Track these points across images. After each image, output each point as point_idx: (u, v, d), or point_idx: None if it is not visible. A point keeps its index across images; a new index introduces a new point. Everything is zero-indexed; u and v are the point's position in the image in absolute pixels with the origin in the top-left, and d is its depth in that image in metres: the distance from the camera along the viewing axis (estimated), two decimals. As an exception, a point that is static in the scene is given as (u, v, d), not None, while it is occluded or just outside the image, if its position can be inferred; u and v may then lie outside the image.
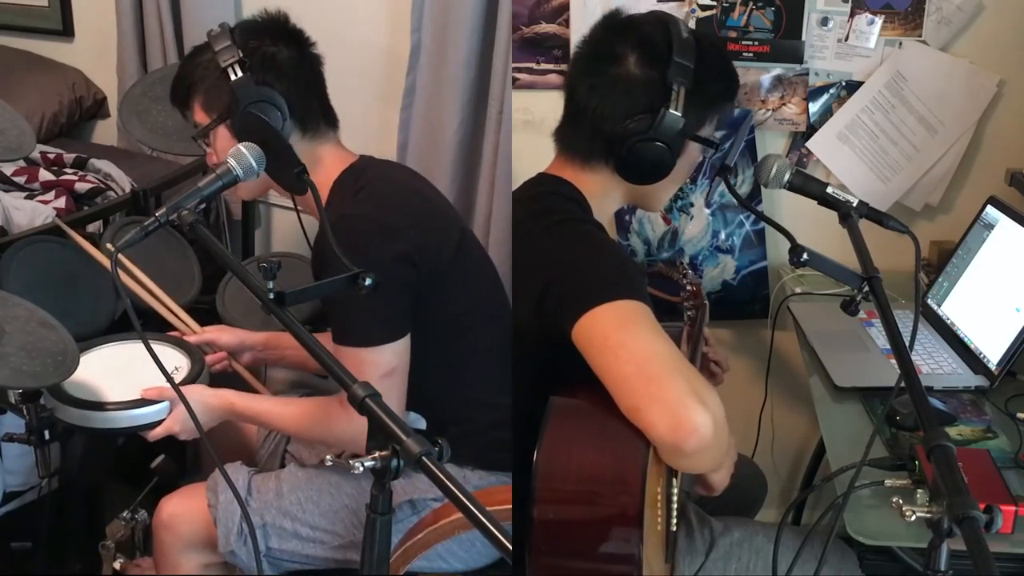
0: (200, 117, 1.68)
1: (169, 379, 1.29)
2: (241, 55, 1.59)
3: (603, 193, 1.51)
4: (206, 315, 2.48)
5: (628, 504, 1.21)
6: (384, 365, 1.54)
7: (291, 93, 1.62)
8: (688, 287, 1.93)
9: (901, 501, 1.08)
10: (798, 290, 2.23)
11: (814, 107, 2.24)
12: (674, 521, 1.43)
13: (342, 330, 1.57)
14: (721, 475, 1.43)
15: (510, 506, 1.42)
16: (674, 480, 1.40)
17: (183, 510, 1.69)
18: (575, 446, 1.26)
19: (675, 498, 1.40)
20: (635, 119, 1.42)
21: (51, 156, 2.72)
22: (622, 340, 1.23)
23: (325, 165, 1.67)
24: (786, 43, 2.20)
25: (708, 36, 1.55)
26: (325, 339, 1.98)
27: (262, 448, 1.90)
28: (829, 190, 1.51)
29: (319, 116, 1.68)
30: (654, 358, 1.22)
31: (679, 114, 1.40)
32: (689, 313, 1.85)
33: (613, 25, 1.49)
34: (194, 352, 1.99)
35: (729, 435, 1.40)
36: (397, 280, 1.53)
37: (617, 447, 1.24)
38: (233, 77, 1.58)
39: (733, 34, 2.20)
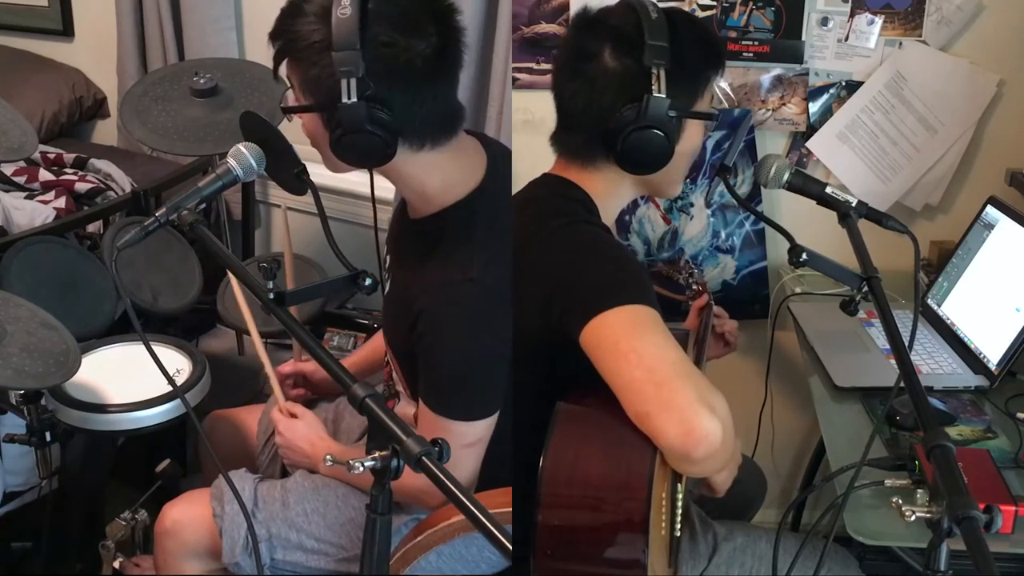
0: (294, 89, 1.43)
1: (170, 381, 1.29)
2: (364, 68, 1.31)
3: (611, 191, 1.50)
4: (206, 315, 2.49)
5: (634, 511, 1.21)
6: (472, 436, 1.48)
7: (411, 110, 1.38)
8: (694, 286, 1.93)
9: (901, 501, 1.08)
10: (798, 290, 2.23)
11: (814, 107, 2.24)
12: (678, 526, 1.43)
13: (443, 401, 1.47)
14: (724, 476, 1.43)
15: (510, 509, 1.41)
16: (679, 485, 1.39)
17: (187, 517, 1.67)
18: (581, 452, 1.25)
19: (679, 503, 1.40)
20: (622, 111, 1.40)
21: (51, 156, 2.72)
22: (633, 345, 1.22)
23: (445, 176, 1.47)
24: (786, 43, 2.20)
25: (680, 10, 1.52)
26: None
27: (262, 454, 1.89)
28: (828, 190, 1.51)
29: (439, 129, 1.44)
30: (665, 364, 1.21)
31: (663, 96, 1.38)
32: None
33: (583, 24, 1.47)
34: (195, 354, 1.99)
35: (735, 437, 1.40)
36: (506, 357, 1.45)
37: (623, 453, 1.23)
38: (344, 97, 1.31)
39: (733, 34, 2.20)
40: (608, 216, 1.49)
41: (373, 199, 1.52)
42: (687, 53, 1.41)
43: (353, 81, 1.31)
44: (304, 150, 1.59)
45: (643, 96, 1.37)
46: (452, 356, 1.45)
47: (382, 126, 1.35)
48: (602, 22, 1.45)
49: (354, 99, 1.32)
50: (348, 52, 1.31)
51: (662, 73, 1.37)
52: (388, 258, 1.68)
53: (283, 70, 1.46)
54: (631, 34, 1.39)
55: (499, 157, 1.57)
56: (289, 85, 1.45)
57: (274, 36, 1.42)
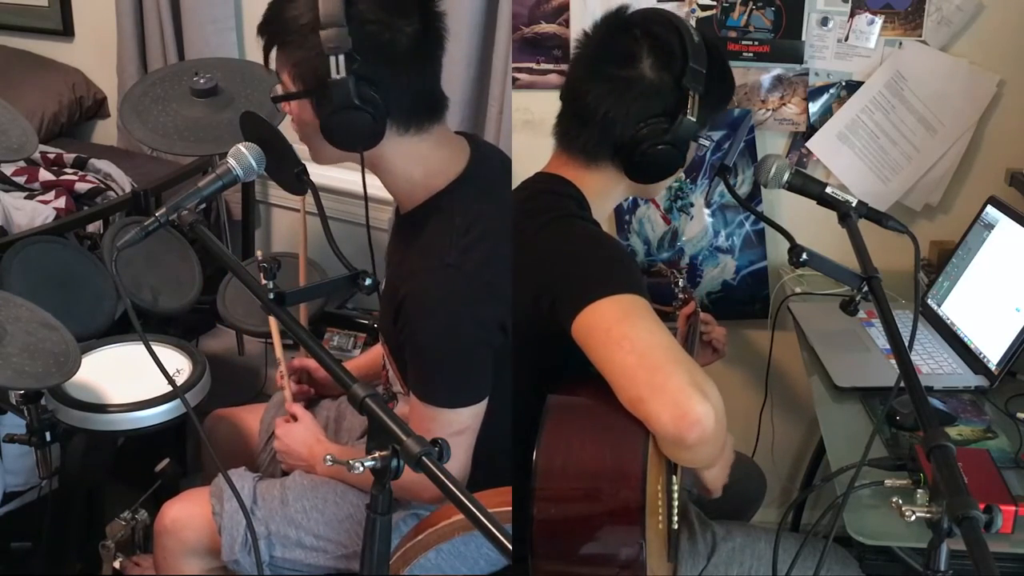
0: (284, 77, 1.45)
1: (170, 381, 1.29)
2: (351, 44, 1.35)
3: (605, 191, 1.51)
4: (206, 315, 2.49)
5: (629, 498, 1.21)
6: (459, 424, 1.48)
7: (398, 90, 1.41)
8: (680, 296, 1.93)
9: (901, 501, 1.08)
10: (798, 290, 2.23)
11: (814, 107, 2.24)
12: (675, 520, 1.43)
13: (428, 388, 1.49)
14: (715, 473, 1.43)
15: (510, 508, 1.41)
16: (674, 477, 1.40)
17: (186, 515, 1.68)
18: (574, 443, 1.26)
19: (675, 496, 1.40)
20: (649, 123, 1.41)
21: (51, 156, 2.72)
22: (624, 332, 1.23)
23: (428, 165, 1.50)
24: (786, 43, 2.20)
25: (711, 38, 1.54)
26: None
27: (263, 453, 1.89)
28: (828, 190, 1.51)
29: (423, 111, 1.47)
30: (657, 349, 1.22)
31: (694, 119, 1.41)
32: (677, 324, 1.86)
33: (620, 24, 1.48)
34: (195, 354, 1.99)
35: (727, 434, 1.40)
36: (490, 345, 1.45)
37: (616, 442, 1.24)
38: (334, 73, 1.36)
39: (733, 34, 2.20)
40: (600, 213, 1.50)
41: (364, 185, 1.53)
42: (714, 83, 1.44)
43: (341, 57, 1.34)
44: (304, 150, 1.59)
45: (674, 114, 1.40)
46: (432, 341, 1.46)
47: (371, 103, 1.38)
48: (644, 29, 1.45)
49: (343, 74, 1.35)
50: (335, 29, 1.34)
51: (697, 97, 1.40)
52: (388, 261, 1.68)
53: (273, 65, 1.48)
54: (675, 50, 1.41)
55: (485, 152, 1.58)
56: (279, 79, 1.47)
57: (263, 25, 1.45)
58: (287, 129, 1.65)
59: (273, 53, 1.46)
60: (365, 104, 1.38)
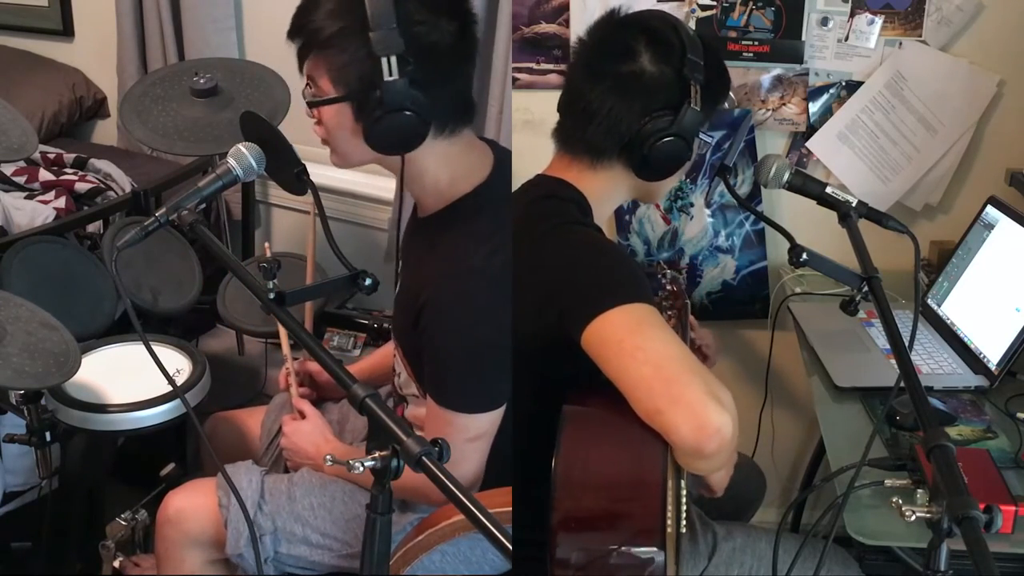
0: (322, 82, 1.41)
1: (170, 381, 1.29)
2: (403, 45, 1.33)
3: (608, 192, 1.50)
4: (206, 315, 2.49)
5: (649, 508, 1.21)
6: (475, 430, 1.48)
7: (440, 91, 1.39)
8: (667, 287, 1.92)
9: (901, 501, 1.08)
10: (798, 290, 2.23)
11: (814, 107, 2.24)
12: (683, 522, 1.43)
13: (446, 392, 1.48)
14: (722, 475, 1.43)
15: (510, 508, 1.41)
16: (682, 482, 1.39)
17: (190, 506, 1.67)
18: (592, 453, 1.25)
19: (684, 499, 1.40)
20: (654, 117, 1.41)
21: (51, 156, 2.73)
22: (638, 343, 1.22)
23: (455, 169, 1.49)
24: (786, 43, 2.20)
25: (705, 34, 1.53)
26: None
27: (264, 456, 1.89)
28: (828, 190, 1.51)
29: (458, 114, 1.46)
30: (672, 360, 1.21)
31: (698, 109, 1.41)
32: (669, 312, 1.85)
33: (617, 22, 1.48)
34: (195, 354, 1.99)
35: None
36: (509, 349, 1.43)
37: (635, 452, 1.23)
38: (387, 75, 1.33)
39: (733, 34, 2.20)
40: (601, 217, 1.50)
41: (400, 191, 1.50)
42: (712, 77, 1.44)
43: (394, 59, 1.32)
44: (304, 150, 1.59)
45: (677, 106, 1.40)
46: (454, 346, 1.45)
47: (419, 105, 1.37)
48: (641, 25, 1.45)
49: (395, 76, 1.33)
50: (386, 31, 1.32)
51: (699, 88, 1.40)
52: (400, 262, 1.68)
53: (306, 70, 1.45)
54: (673, 43, 1.42)
55: (506, 159, 1.58)
56: (306, 84, 1.44)
57: (293, 33, 1.43)
58: (287, 129, 1.65)
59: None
60: (415, 106, 1.36)
